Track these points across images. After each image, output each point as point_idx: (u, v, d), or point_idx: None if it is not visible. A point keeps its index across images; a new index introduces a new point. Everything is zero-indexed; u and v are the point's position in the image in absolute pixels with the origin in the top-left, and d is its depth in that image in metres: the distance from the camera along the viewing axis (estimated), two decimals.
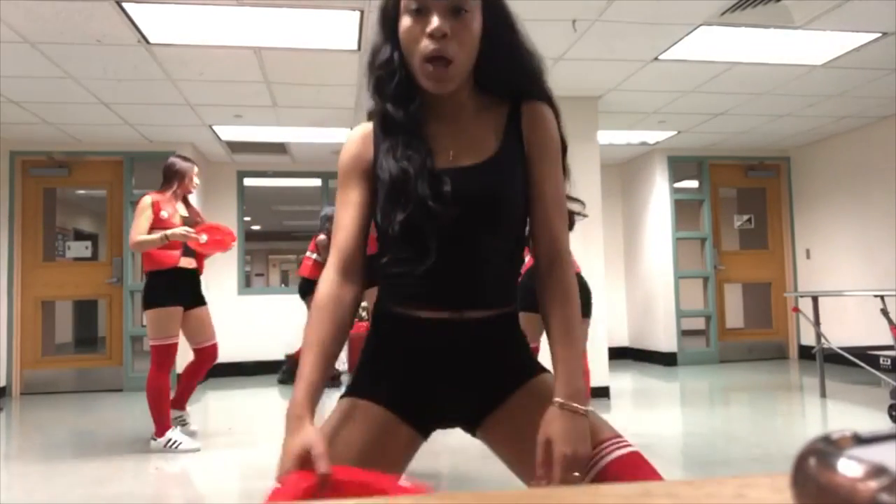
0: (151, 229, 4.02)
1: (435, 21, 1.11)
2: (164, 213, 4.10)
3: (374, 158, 1.25)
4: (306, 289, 6.49)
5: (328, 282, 1.22)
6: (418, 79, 1.17)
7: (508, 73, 1.23)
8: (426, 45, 1.12)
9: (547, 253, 1.24)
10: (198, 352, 4.32)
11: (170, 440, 4.05)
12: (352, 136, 1.30)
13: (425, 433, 1.26)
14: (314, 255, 6.52)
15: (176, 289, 4.12)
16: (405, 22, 1.15)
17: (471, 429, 1.28)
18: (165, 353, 4.07)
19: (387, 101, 1.21)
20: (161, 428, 4.06)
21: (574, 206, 1.37)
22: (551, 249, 1.24)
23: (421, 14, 1.13)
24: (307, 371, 1.15)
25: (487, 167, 1.20)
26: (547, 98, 1.28)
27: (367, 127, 1.29)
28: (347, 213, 1.25)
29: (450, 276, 1.19)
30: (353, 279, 1.24)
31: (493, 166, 1.21)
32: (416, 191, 1.16)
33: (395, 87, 1.19)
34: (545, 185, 1.25)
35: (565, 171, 1.30)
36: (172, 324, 4.07)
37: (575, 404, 1.11)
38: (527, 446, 1.13)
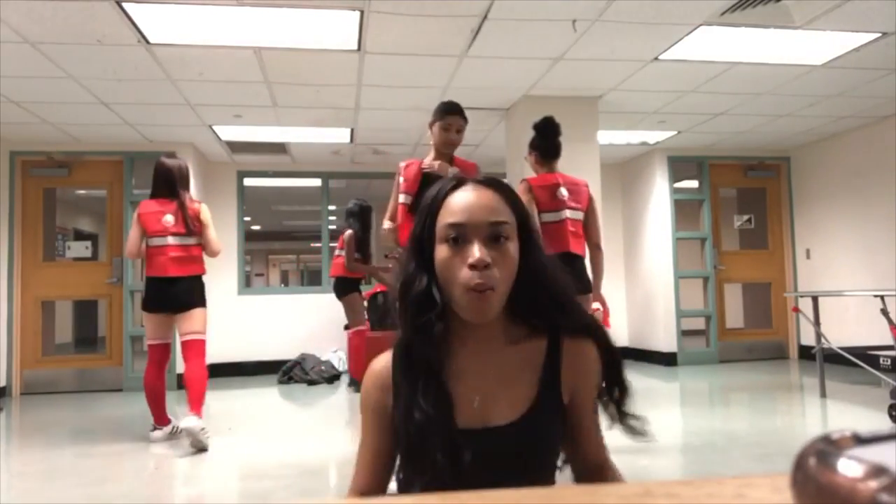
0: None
1: (476, 252, 1.05)
2: None
3: (395, 402, 1.15)
4: (340, 288, 6.44)
5: None
6: (458, 309, 1.09)
7: (544, 301, 1.14)
8: (468, 275, 1.05)
9: (592, 467, 1.20)
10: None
11: (203, 427, 4.12)
12: (369, 377, 1.20)
13: None
14: (342, 252, 6.47)
15: None
16: (442, 252, 1.09)
17: None
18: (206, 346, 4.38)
19: (415, 332, 1.12)
20: (199, 408, 4.16)
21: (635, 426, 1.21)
22: (596, 465, 1.20)
23: (458, 243, 1.07)
24: None
25: (524, 426, 1.10)
26: (588, 330, 1.18)
27: (385, 367, 1.18)
28: (365, 458, 1.19)
29: None
30: None
31: (530, 424, 1.10)
32: (435, 457, 1.06)
33: (428, 319, 1.10)
34: (586, 418, 1.18)
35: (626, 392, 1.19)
36: None
37: None
38: None
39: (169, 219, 4.27)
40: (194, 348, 4.24)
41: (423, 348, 1.11)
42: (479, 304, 1.06)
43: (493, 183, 1.14)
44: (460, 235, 1.08)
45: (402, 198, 3.53)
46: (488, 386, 1.12)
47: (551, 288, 1.15)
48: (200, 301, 4.31)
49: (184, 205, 4.29)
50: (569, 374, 1.15)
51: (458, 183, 1.13)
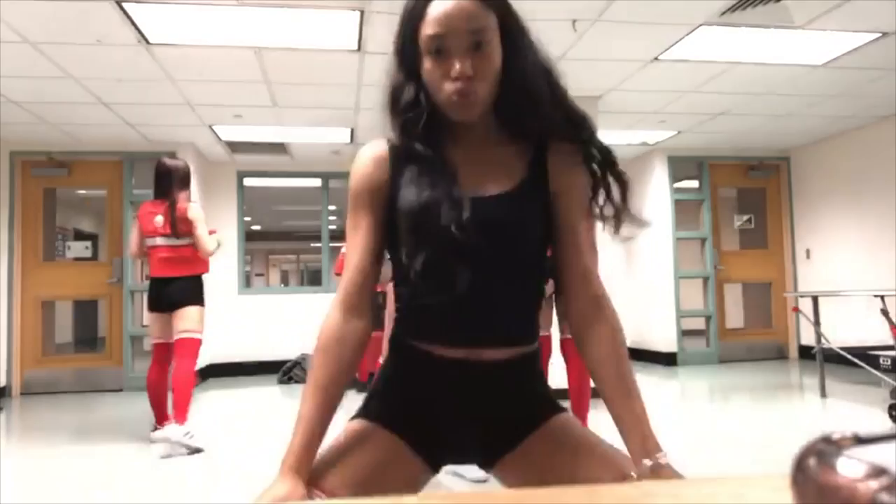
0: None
1: (457, 65, 1.09)
2: None
3: (391, 183, 1.20)
4: None
5: (332, 321, 1.20)
6: (445, 111, 1.15)
7: (526, 103, 1.18)
8: (451, 87, 1.11)
9: (587, 297, 1.20)
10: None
11: (188, 431, 4.10)
12: (363, 157, 1.24)
13: (435, 468, 1.23)
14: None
15: None
16: (427, 64, 1.12)
17: (486, 466, 1.25)
18: (199, 348, 4.32)
19: (414, 140, 1.17)
20: (183, 416, 4.13)
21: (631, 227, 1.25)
22: (594, 294, 1.20)
23: (441, 55, 1.11)
24: (307, 418, 1.12)
25: (510, 197, 1.16)
26: (574, 129, 1.21)
27: (381, 148, 1.23)
28: (357, 241, 1.21)
29: (468, 313, 1.15)
30: (360, 315, 1.20)
31: (515, 197, 1.17)
32: (440, 220, 1.10)
33: (422, 125, 1.16)
34: (578, 227, 1.21)
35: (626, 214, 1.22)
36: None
37: (661, 461, 1.08)
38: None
39: (159, 220, 4.24)
40: (183, 347, 4.19)
41: (412, 141, 1.17)
42: (462, 108, 1.13)
43: None
44: (442, 48, 1.10)
45: None
46: (482, 172, 1.18)
47: (531, 90, 1.18)
48: (194, 299, 4.25)
49: (174, 206, 4.22)
50: (556, 169, 1.20)
51: None
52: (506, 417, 1.20)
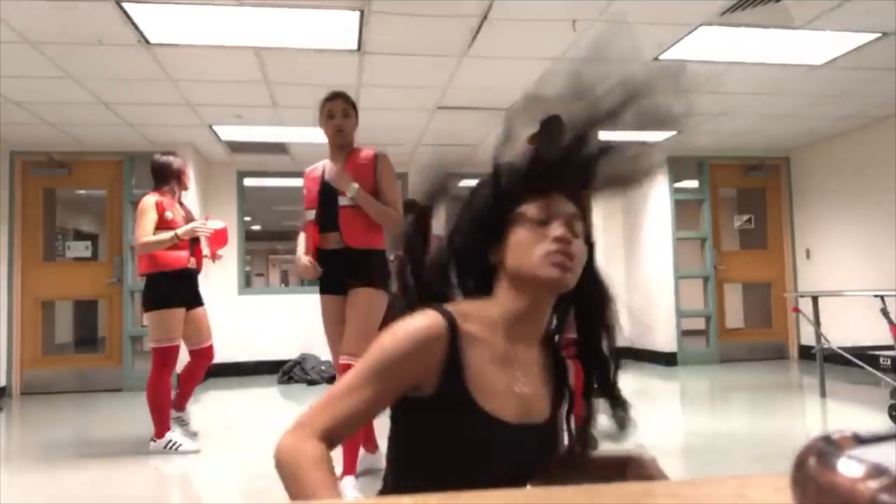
0: (156, 230, 3.99)
1: (560, 228, 1.08)
2: (168, 214, 4.07)
3: (442, 380, 1.05)
4: None
5: (315, 448, 1.05)
6: (537, 273, 1.07)
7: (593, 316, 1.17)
8: (551, 246, 1.07)
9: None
10: (194, 353, 4.26)
11: (170, 441, 4.03)
12: (419, 338, 1.04)
13: None
14: None
15: (179, 289, 4.09)
16: (521, 233, 1.09)
17: None
18: (168, 355, 4.04)
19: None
20: (161, 429, 4.05)
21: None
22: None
23: (542, 225, 1.09)
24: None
25: (553, 426, 1.13)
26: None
27: (441, 327, 1.05)
28: (361, 413, 1.05)
29: None
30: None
31: (552, 428, 1.14)
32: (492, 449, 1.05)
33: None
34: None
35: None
36: (175, 325, 4.04)
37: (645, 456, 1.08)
38: None
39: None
40: (152, 357, 4.07)
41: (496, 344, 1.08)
42: (562, 262, 1.07)
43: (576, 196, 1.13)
44: (546, 219, 1.09)
45: (306, 214, 3.33)
46: (530, 381, 1.11)
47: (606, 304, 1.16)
48: (150, 304, 4.04)
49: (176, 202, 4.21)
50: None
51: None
52: None
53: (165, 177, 4.22)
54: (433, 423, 1.07)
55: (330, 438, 1.04)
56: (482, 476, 0.95)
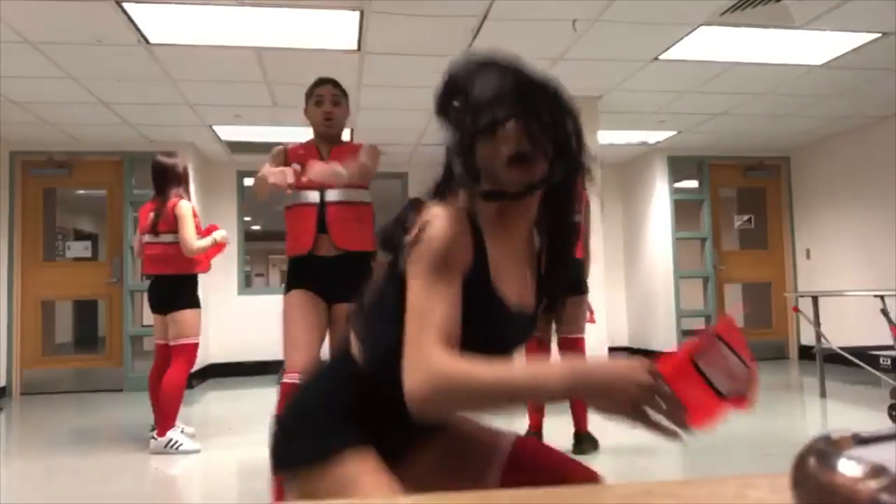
0: None
1: (513, 141, 1.12)
2: (197, 218, 4.24)
3: (474, 263, 1.13)
4: None
5: (452, 356, 1.05)
6: (503, 178, 1.13)
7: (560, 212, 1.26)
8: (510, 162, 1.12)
9: None
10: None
11: (171, 440, 4.04)
12: (452, 224, 1.11)
13: None
14: None
15: (197, 290, 4.30)
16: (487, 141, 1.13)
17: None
18: (196, 352, 4.23)
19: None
20: (166, 426, 4.06)
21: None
22: None
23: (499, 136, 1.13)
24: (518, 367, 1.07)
25: (535, 317, 1.28)
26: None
27: (464, 215, 1.14)
28: (452, 305, 1.09)
29: None
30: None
31: (535, 316, 1.28)
32: (503, 333, 1.18)
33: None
34: None
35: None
36: (200, 324, 4.27)
37: None
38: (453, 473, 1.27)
39: (151, 217, 4.25)
40: (177, 353, 4.13)
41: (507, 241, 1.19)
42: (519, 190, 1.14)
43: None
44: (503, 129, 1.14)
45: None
46: (524, 276, 1.23)
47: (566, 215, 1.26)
48: (185, 302, 4.15)
49: (163, 203, 4.18)
50: None
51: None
52: None
53: (178, 180, 4.28)
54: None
55: (454, 346, 1.06)
56: (489, 352, 1.04)
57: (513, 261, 1.20)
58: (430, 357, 1.02)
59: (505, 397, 1.03)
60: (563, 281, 1.30)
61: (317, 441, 1.17)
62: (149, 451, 4.04)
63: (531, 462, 1.27)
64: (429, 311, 1.06)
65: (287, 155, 3.02)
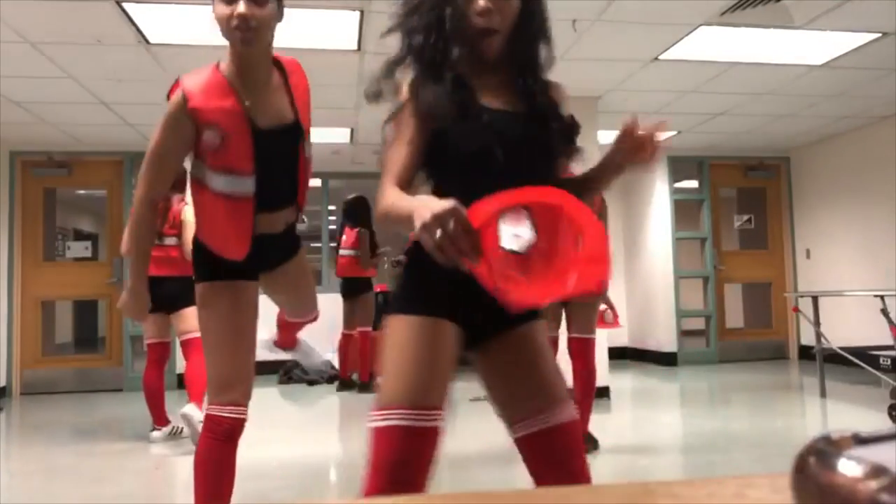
0: None
1: (481, 1, 1.35)
2: None
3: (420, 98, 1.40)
4: (355, 288, 6.24)
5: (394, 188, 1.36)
6: (470, 22, 1.37)
7: (533, 53, 1.48)
8: (478, 18, 1.36)
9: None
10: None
11: (174, 427, 4.11)
12: (408, 88, 1.43)
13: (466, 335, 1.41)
14: (352, 252, 6.30)
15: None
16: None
17: (472, 347, 1.43)
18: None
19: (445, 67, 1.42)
20: (199, 402, 4.12)
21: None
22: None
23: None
24: (405, 198, 1.30)
25: (531, 117, 1.44)
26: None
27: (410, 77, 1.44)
28: (402, 150, 1.40)
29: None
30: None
31: (537, 117, 1.45)
32: (488, 127, 1.38)
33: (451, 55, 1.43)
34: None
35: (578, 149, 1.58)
36: None
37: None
38: (509, 389, 1.41)
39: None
40: (191, 346, 4.20)
41: (439, 48, 1.41)
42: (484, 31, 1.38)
43: None
44: None
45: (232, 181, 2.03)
46: (505, 95, 1.45)
47: (540, 41, 1.50)
48: (192, 300, 4.21)
49: (167, 207, 4.21)
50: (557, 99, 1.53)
51: None
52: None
53: (177, 183, 4.26)
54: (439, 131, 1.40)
55: (403, 175, 1.38)
56: (482, 148, 1.34)
57: (487, 77, 1.44)
58: (381, 194, 1.36)
59: (395, 220, 1.30)
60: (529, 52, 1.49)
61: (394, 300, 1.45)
62: (155, 440, 4.10)
63: (559, 450, 1.38)
64: (387, 160, 1.41)
65: (194, 116, 2.04)
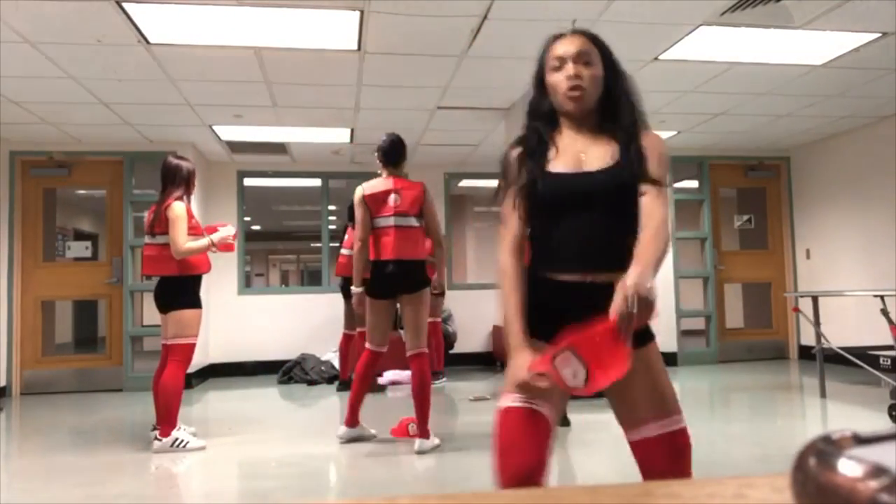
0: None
1: (571, 68, 1.68)
2: (193, 221, 4.20)
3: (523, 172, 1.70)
4: (350, 289, 6.27)
5: (508, 259, 1.68)
6: (561, 107, 1.72)
7: (623, 108, 1.73)
8: (566, 81, 1.68)
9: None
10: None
11: (176, 439, 4.06)
12: (504, 159, 1.77)
13: None
14: (352, 252, 6.28)
15: (199, 290, 4.26)
16: (550, 75, 1.74)
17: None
18: (192, 352, 4.19)
19: (532, 128, 1.77)
20: (169, 427, 4.07)
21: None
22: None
23: (560, 68, 1.72)
24: (515, 311, 1.62)
25: (611, 172, 1.65)
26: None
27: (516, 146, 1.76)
28: (511, 217, 1.71)
29: (579, 245, 1.65)
30: (520, 259, 1.70)
31: (616, 170, 1.66)
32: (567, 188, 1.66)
33: (543, 115, 1.77)
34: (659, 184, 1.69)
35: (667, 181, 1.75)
36: (199, 324, 4.22)
37: (642, 281, 1.56)
38: (626, 402, 1.67)
39: (150, 218, 4.26)
40: (171, 353, 4.12)
41: (534, 134, 1.73)
42: (574, 96, 1.68)
43: (583, 32, 1.78)
44: (561, 63, 1.71)
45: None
46: (589, 153, 1.69)
47: (625, 96, 1.75)
48: (179, 302, 4.12)
49: (161, 204, 4.18)
50: (647, 146, 1.70)
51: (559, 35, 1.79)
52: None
53: (178, 181, 4.25)
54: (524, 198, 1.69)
55: (517, 242, 1.70)
56: (558, 204, 1.66)
57: (575, 144, 1.70)
58: (499, 257, 1.70)
59: (501, 310, 1.66)
60: (627, 128, 1.73)
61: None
62: (153, 452, 4.05)
63: (646, 463, 1.68)
64: (502, 226, 1.74)
65: None
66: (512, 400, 1.59)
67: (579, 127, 1.72)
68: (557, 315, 1.56)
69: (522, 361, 1.52)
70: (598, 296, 1.54)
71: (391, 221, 4.08)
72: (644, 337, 1.75)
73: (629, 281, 1.52)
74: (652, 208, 1.68)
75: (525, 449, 1.57)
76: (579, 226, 1.62)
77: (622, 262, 1.61)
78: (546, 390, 1.51)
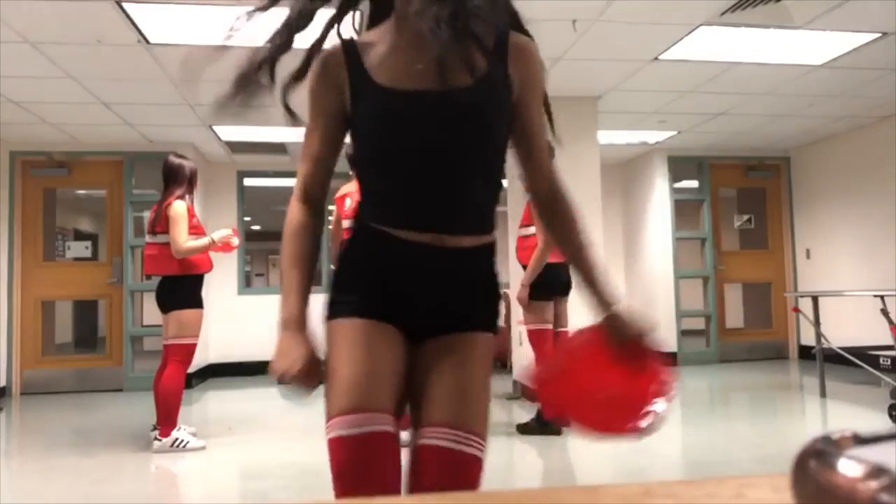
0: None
1: None
2: (194, 220, 4.19)
3: (350, 80, 1.33)
4: None
5: (296, 215, 1.37)
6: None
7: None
8: None
9: (546, 188, 1.33)
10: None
11: (176, 440, 4.06)
12: (320, 56, 1.38)
13: (410, 336, 1.28)
14: None
15: (200, 290, 4.24)
16: None
17: (413, 342, 1.29)
18: (192, 353, 4.18)
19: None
20: (169, 428, 4.07)
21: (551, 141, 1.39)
22: (551, 183, 1.33)
23: None
24: (296, 287, 1.34)
25: (477, 89, 1.21)
26: (529, 35, 1.36)
27: (336, 48, 1.38)
28: (310, 158, 1.38)
29: (432, 198, 1.21)
30: (318, 212, 1.38)
31: (482, 88, 1.22)
32: (409, 114, 1.21)
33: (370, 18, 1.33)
34: (535, 120, 1.29)
35: (550, 115, 1.35)
36: (199, 324, 4.20)
37: (614, 311, 1.35)
38: (427, 386, 1.23)
39: (151, 217, 4.25)
40: (169, 353, 4.11)
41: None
42: None
43: None
44: None
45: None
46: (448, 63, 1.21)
47: None
48: (178, 303, 4.10)
49: (161, 203, 4.17)
50: (515, 60, 1.30)
51: None
52: (450, 306, 1.26)
53: (179, 180, 4.24)
54: (357, 122, 1.30)
55: (312, 187, 1.37)
56: (404, 142, 1.20)
57: (405, 53, 1.28)
58: (289, 209, 1.39)
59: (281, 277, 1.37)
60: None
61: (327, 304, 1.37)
62: (153, 451, 4.04)
63: (417, 474, 1.30)
64: (301, 159, 1.41)
65: None
66: (346, 426, 1.22)
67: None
68: (392, 279, 1.25)
69: (294, 350, 1.26)
70: (447, 261, 1.23)
71: None
72: (478, 321, 1.29)
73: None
74: (550, 184, 1.34)
75: (378, 484, 1.22)
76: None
77: (481, 222, 1.28)
78: (381, 393, 1.20)
